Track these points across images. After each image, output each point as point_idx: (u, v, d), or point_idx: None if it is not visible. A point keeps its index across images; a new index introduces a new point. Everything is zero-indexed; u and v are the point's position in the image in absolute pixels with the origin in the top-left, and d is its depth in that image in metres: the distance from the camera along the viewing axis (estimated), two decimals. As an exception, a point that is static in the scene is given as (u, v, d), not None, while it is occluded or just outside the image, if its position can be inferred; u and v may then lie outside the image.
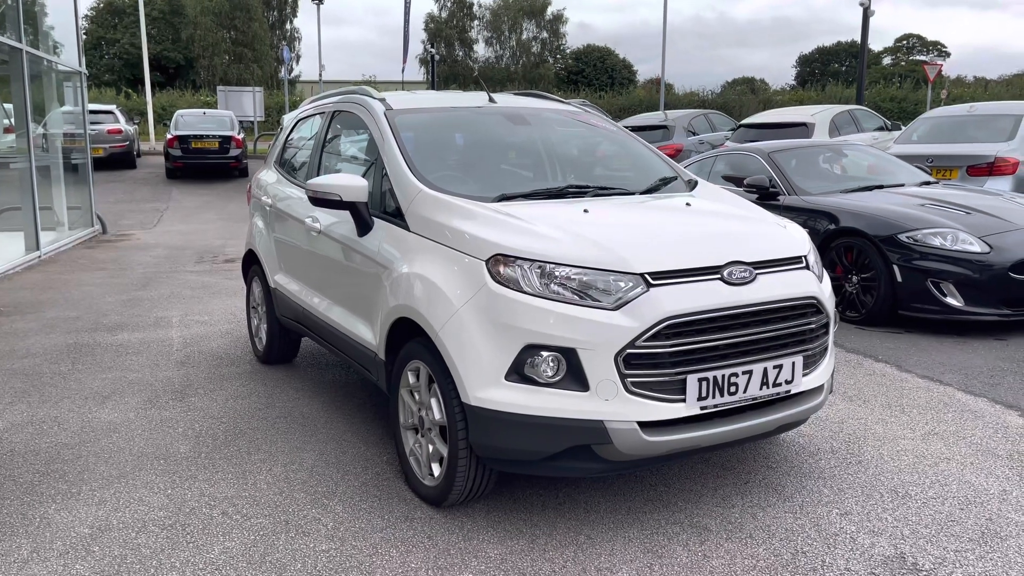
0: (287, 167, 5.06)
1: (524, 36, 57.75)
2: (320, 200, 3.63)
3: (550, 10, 57.62)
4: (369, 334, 3.62)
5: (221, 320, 6.45)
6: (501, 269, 2.90)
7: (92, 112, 15.80)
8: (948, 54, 62.54)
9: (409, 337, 3.29)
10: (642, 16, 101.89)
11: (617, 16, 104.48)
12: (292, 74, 48.94)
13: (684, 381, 2.80)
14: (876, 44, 63.52)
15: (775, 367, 2.96)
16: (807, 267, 3.18)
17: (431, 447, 3.19)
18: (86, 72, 12.12)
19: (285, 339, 5.09)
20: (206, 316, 6.60)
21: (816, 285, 3.14)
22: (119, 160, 20.64)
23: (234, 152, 19.23)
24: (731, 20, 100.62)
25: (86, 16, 50.81)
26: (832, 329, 3.26)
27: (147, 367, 5.20)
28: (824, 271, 3.39)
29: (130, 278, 8.35)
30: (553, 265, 2.85)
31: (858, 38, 21.61)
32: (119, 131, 20.60)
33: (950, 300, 5.57)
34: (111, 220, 12.83)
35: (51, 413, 4.37)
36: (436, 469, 3.17)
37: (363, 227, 3.64)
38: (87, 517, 3.19)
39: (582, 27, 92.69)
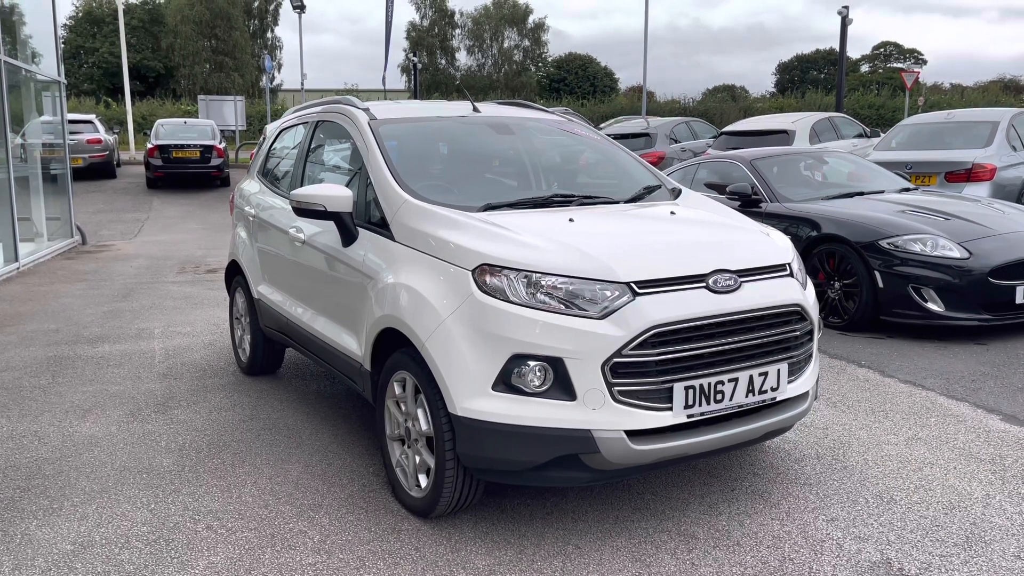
0: (270, 177, 5.04)
1: (506, 44, 57.97)
2: (304, 210, 3.61)
3: (531, 18, 57.90)
4: (354, 344, 3.61)
5: (204, 331, 6.40)
6: (487, 279, 2.90)
7: (71, 122, 15.66)
8: (925, 61, 63.46)
9: (395, 347, 3.28)
10: (616, 23, 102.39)
11: (592, 23, 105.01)
12: (274, 83, 48.78)
13: (671, 389, 2.80)
14: (854, 52, 64.26)
15: (760, 374, 2.97)
16: (791, 274, 3.20)
17: (418, 458, 3.17)
18: (65, 81, 12.01)
19: (269, 350, 5.06)
20: (188, 327, 6.54)
21: (800, 292, 3.16)
22: (99, 170, 20.48)
23: (215, 161, 19.12)
24: (706, 27, 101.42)
25: (65, 25, 50.45)
26: (816, 336, 3.29)
27: (129, 379, 5.14)
28: (807, 278, 3.42)
29: (111, 289, 8.27)
30: (539, 274, 2.85)
31: (835, 45, 21.85)
32: (99, 141, 20.45)
33: (931, 305, 5.63)
34: (91, 231, 12.70)
35: (31, 427, 4.31)
36: (423, 480, 3.16)
37: (348, 237, 3.63)
38: (69, 533, 3.15)
39: (556, 35, 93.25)
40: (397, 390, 3.26)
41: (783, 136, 12.29)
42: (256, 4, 54.71)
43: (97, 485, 3.58)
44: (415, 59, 39.59)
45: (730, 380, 2.90)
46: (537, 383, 2.79)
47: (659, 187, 4.03)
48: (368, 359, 3.44)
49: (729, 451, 3.23)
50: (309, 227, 4.03)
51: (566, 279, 2.84)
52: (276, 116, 29.29)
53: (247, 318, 5.12)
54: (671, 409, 2.81)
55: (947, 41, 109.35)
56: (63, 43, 41.82)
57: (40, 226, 10.95)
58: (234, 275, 5.38)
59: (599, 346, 2.74)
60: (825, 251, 6.17)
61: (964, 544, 2.97)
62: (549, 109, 4.87)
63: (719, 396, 2.89)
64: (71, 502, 3.41)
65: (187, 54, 48.90)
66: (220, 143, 19.64)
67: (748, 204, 6.75)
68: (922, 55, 63.86)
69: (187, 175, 19.09)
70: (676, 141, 15.53)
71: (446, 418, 2.93)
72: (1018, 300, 5.60)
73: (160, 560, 2.93)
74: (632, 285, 2.83)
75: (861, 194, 6.92)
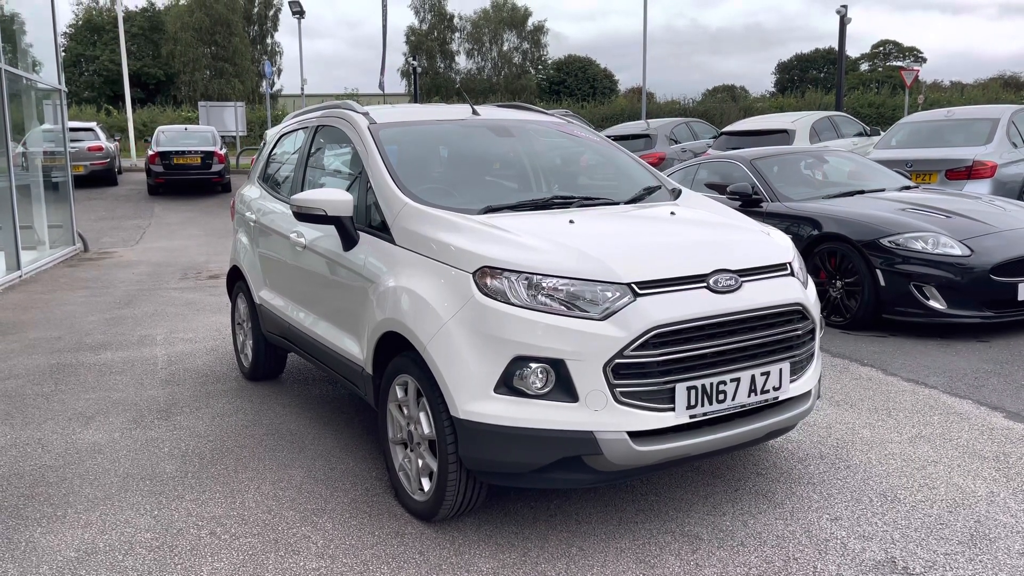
0: (271, 182, 5.05)
1: (505, 47, 58.00)
2: (305, 215, 3.62)
3: (531, 21, 57.92)
4: (356, 349, 3.61)
5: (206, 337, 6.41)
6: (488, 281, 2.90)
7: (72, 130, 15.71)
8: (924, 59, 63.42)
9: (397, 351, 3.28)
10: (614, 24, 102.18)
11: (589, 25, 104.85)
12: (274, 88, 48.86)
13: (673, 390, 2.80)
14: (853, 50, 64.22)
15: (763, 374, 2.97)
16: (792, 274, 3.20)
17: (420, 461, 3.18)
18: (65, 89, 12.04)
19: (271, 355, 5.06)
20: (191, 333, 6.55)
21: (801, 291, 3.16)
22: (100, 177, 20.54)
23: (216, 167, 19.15)
24: (704, 27, 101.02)
25: (65, 33, 50.57)
26: (818, 335, 3.28)
27: (131, 386, 5.15)
28: (808, 277, 3.41)
29: (113, 296, 8.28)
30: (540, 276, 2.86)
31: (834, 44, 21.86)
32: (100, 148, 20.51)
33: (933, 303, 5.62)
34: (93, 238, 12.73)
35: (35, 435, 4.31)
36: (426, 484, 3.16)
37: (348, 241, 3.63)
38: (73, 540, 3.15)
39: (554, 37, 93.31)
40: (399, 394, 3.26)
41: (783, 136, 12.29)
42: (255, 10, 54.78)
43: (101, 492, 3.58)
44: (415, 63, 39.62)
45: (732, 380, 2.90)
46: (539, 385, 2.79)
47: (659, 188, 4.03)
48: (370, 363, 3.44)
49: (732, 451, 3.22)
50: (310, 232, 4.04)
51: (567, 281, 2.84)
52: (276, 121, 29.34)
53: (249, 323, 5.13)
54: (673, 410, 2.81)
55: (946, 39, 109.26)
56: (63, 51, 41.96)
57: (42, 234, 10.97)
58: (236, 280, 5.38)
59: (601, 347, 2.74)
60: (826, 250, 6.16)
61: (969, 542, 2.97)
62: (549, 111, 4.87)
63: (721, 396, 2.88)
64: (75, 509, 3.42)
65: (187, 61, 48.95)
66: (221, 149, 19.67)
67: (749, 204, 6.75)
68: (921, 53, 63.86)
69: (188, 181, 19.13)
70: (676, 142, 15.54)
71: (448, 421, 2.93)
72: (1020, 297, 5.59)
73: (164, 566, 2.94)
74: (633, 286, 2.83)
75: (862, 192, 6.91)
